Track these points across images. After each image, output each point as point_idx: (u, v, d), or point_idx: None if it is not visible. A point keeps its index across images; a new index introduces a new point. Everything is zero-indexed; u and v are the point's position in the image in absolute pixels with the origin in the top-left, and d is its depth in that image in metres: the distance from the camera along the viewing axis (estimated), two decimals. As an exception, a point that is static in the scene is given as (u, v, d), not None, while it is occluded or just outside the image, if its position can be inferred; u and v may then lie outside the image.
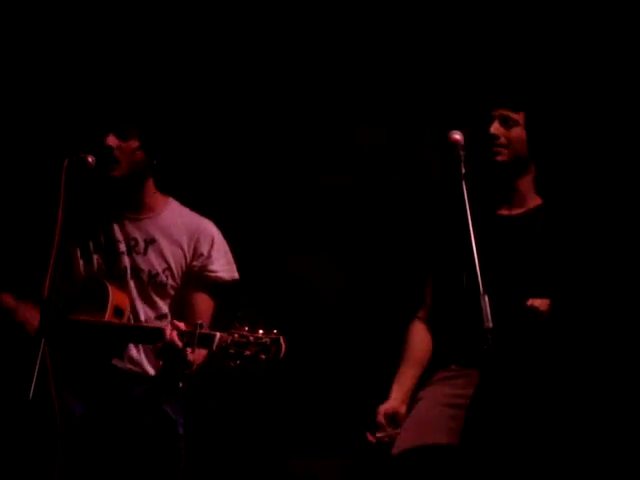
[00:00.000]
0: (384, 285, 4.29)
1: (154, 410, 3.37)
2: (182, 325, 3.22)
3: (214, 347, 3.11)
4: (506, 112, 3.06)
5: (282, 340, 3.04)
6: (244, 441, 4.37)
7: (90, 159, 3.01)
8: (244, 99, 4.52)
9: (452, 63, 4.18)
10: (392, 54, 4.33)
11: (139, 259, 3.55)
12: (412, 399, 3.12)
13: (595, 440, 2.92)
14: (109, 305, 3.36)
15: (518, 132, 3.07)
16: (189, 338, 3.16)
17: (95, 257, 3.56)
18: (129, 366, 3.49)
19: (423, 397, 3.06)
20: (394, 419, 3.06)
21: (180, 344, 3.16)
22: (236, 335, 3.09)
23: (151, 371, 3.52)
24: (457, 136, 2.82)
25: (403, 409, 3.09)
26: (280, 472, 4.30)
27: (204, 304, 3.58)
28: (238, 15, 4.45)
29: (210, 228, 3.64)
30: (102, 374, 3.38)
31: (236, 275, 3.62)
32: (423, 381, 3.15)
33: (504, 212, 3.12)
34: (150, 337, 3.29)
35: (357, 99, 4.41)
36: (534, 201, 3.14)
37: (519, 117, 3.08)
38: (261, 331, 3.08)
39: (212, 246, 3.60)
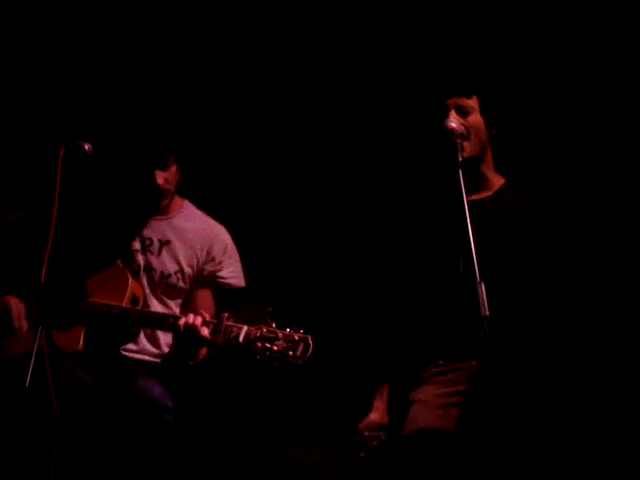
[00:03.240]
0: (379, 278, 4.28)
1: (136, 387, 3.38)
2: (206, 315, 3.20)
3: (241, 339, 3.07)
4: (459, 100, 3.01)
5: (310, 339, 3.03)
6: (244, 431, 4.36)
7: (87, 146, 3.02)
8: (241, 95, 4.53)
9: (433, 49, 4.17)
10: (386, 45, 4.33)
11: (152, 259, 3.61)
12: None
13: (589, 430, 2.92)
14: (128, 292, 3.40)
15: (475, 118, 3.03)
16: (215, 328, 3.13)
17: (110, 253, 3.62)
18: (132, 355, 3.54)
19: (417, 400, 3.02)
20: (379, 429, 3.06)
21: (206, 332, 3.13)
22: (264, 330, 3.06)
23: (156, 360, 3.58)
24: (454, 124, 2.81)
25: (385, 420, 3.08)
26: (280, 462, 4.29)
27: (207, 299, 3.63)
28: (236, 10, 4.46)
29: (224, 235, 3.71)
30: (109, 359, 3.43)
31: (244, 283, 3.69)
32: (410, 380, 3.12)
33: (472, 197, 2.99)
34: (166, 324, 3.28)
35: (353, 91, 4.41)
36: (498, 182, 3.11)
37: (473, 102, 3.03)
38: (289, 329, 3.05)
39: (224, 253, 3.66)
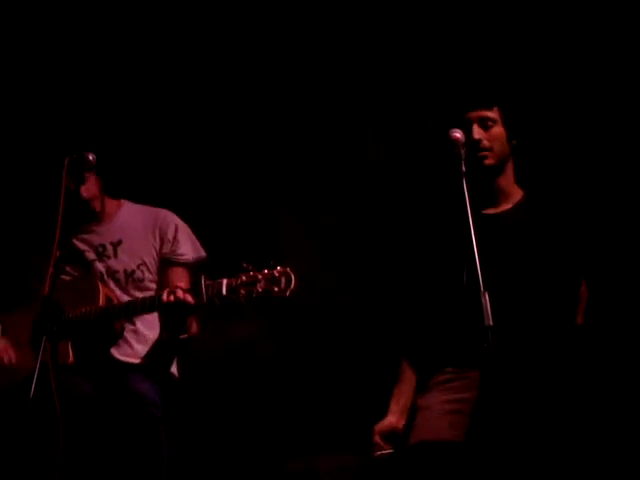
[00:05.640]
0: (382, 283, 4.28)
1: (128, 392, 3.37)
2: (182, 284, 3.27)
3: (224, 292, 3.12)
4: (482, 112, 2.99)
5: (290, 271, 3.07)
6: (244, 439, 4.36)
7: (91, 157, 3.02)
8: (242, 98, 4.53)
9: (451, 60, 4.17)
10: (391, 52, 4.33)
11: (111, 262, 3.63)
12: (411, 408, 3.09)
13: (597, 440, 2.91)
14: (100, 295, 3.42)
15: (497, 131, 3.00)
16: (195, 291, 3.18)
17: (67, 269, 3.59)
18: (124, 358, 3.53)
19: (422, 407, 2.99)
20: (392, 436, 3.03)
21: (188, 298, 3.18)
22: (244, 277, 3.11)
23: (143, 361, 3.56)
24: (457, 134, 2.81)
25: (401, 424, 3.04)
26: (280, 470, 4.30)
27: (178, 275, 3.61)
28: (238, 15, 4.46)
29: (169, 215, 3.72)
30: (101, 364, 3.43)
31: (203, 254, 3.67)
32: (419, 385, 3.12)
33: (491, 211, 3.04)
34: (147, 305, 3.31)
35: (356, 97, 4.41)
36: (517, 194, 3.08)
37: (495, 114, 3.00)
38: (266, 270, 3.10)
39: (176, 231, 3.66)
